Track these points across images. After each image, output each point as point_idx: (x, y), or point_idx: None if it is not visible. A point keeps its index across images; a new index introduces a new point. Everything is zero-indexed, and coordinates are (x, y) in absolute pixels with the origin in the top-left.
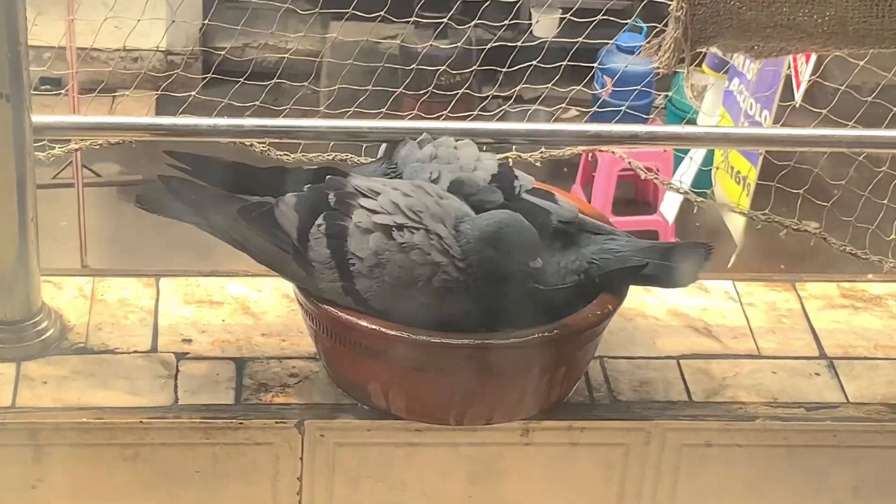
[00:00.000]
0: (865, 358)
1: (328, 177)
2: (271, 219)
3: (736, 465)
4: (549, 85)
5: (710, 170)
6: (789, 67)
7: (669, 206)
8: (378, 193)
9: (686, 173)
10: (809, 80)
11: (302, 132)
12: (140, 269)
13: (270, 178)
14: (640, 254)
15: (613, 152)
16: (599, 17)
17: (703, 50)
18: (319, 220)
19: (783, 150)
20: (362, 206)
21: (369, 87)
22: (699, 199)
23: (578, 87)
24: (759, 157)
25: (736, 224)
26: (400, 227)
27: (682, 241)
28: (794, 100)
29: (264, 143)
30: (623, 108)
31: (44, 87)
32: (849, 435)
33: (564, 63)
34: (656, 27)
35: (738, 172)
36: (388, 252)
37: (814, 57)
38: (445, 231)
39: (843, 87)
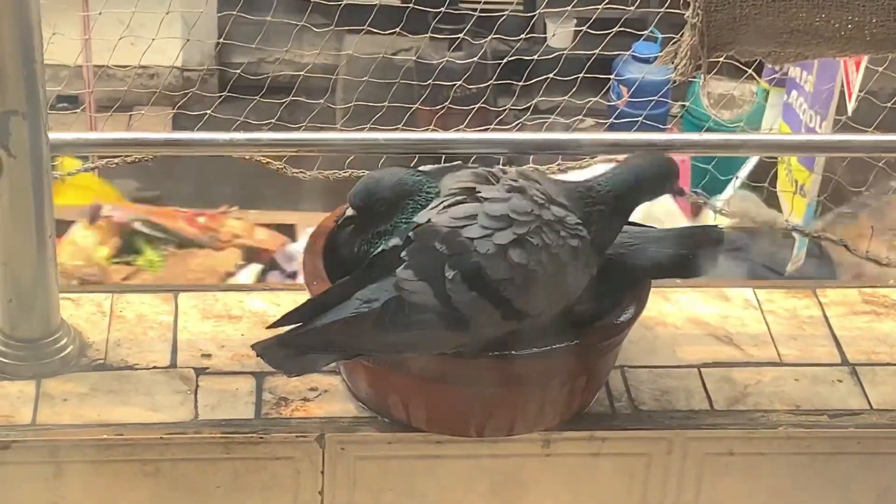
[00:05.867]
0: (888, 364)
1: (411, 232)
2: (402, 305)
3: (759, 473)
4: (566, 97)
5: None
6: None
7: None
8: (474, 217)
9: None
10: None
11: (318, 145)
12: (158, 284)
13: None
14: (654, 244)
15: None
16: (616, 28)
17: (721, 58)
18: (448, 272)
19: (802, 155)
20: (470, 238)
21: (385, 104)
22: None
23: (595, 99)
24: (814, 161)
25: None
26: (526, 235)
27: (694, 226)
28: (840, 112)
29: (281, 158)
30: (641, 118)
31: (61, 106)
32: (873, 442)
33: (581, 75)
34: (672, 37)
35: (797, 181)
36: (537, 252)
37: (864, 66)
38: (561, 211)
39: (861, 94)
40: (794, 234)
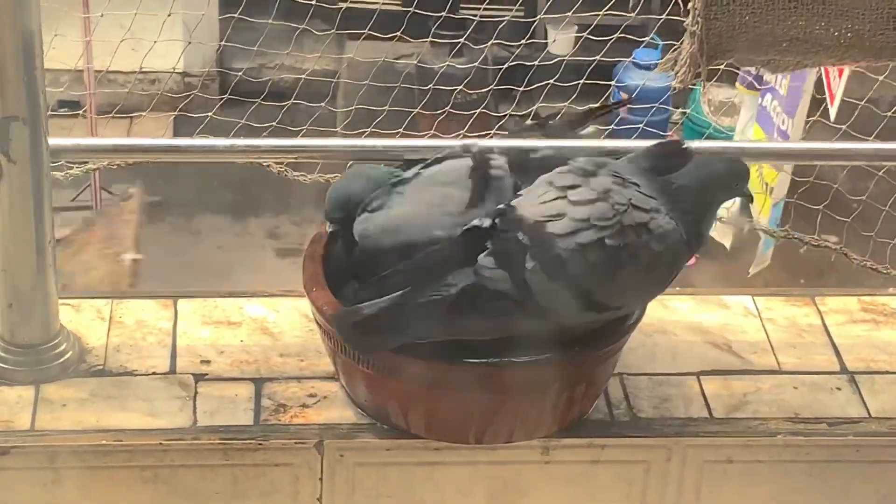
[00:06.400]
0: (887, 372)
1: (492, 221)
2: (479, 291)
3: (758, 481)
4: (567, 103)
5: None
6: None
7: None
8: (562, 214)
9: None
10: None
11: (318, 151)
12: (158, 290)
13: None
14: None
15: None
16: (617, 35)
17: (721, 65)
18: (529, 263)
19: (802, 163)
20: (554, 233)
21: (386, 108)
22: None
23: (596, 105)
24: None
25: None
26: (606, 238)
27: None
28: (819, 115)
29: (281, 163)
30: (641, 124)
31: (62, 110)
32: (871, 450)
33: (581, 81)
34: (673, 44)
35: (766, 183)
36: (615, 252)
37: (846, 72)
38: (645, 216)
39: (862, 102)
40: (761, 235)
